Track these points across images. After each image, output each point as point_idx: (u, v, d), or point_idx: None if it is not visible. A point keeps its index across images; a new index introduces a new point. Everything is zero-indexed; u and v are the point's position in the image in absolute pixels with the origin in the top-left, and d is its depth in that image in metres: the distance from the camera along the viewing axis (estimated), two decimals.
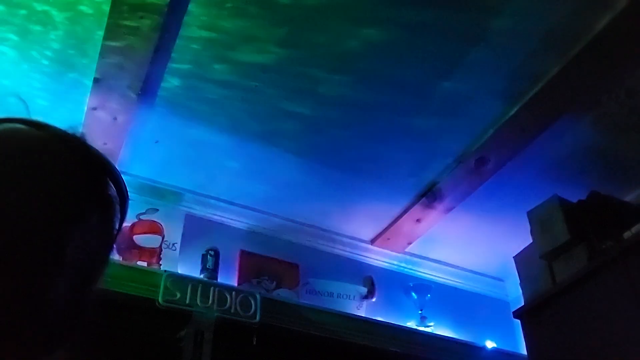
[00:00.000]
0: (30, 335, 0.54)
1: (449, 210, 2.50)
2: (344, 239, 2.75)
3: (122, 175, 0.65)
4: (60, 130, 0.63)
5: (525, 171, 2.32)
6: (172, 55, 1.93)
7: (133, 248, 2.18)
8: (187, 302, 1.89)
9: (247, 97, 2.08)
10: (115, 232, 0.64)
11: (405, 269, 2.83)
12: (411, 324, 2.52)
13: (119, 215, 0.64)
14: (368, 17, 1.83)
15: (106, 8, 1.75)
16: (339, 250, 2.73)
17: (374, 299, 2.59)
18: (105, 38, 1.83)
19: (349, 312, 2.31)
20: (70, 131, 0.63)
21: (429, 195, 2.46)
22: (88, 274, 0.60)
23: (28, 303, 0.53)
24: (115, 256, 2.15)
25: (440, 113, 2.14)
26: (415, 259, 2.85)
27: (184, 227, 2.35)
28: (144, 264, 2.15)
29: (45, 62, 1.96)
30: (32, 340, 0.55)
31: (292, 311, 2.08)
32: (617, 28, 1.79)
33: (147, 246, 2.21)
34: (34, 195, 0.55)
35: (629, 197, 2.37)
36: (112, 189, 0.63)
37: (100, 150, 0.64)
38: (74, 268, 0.57)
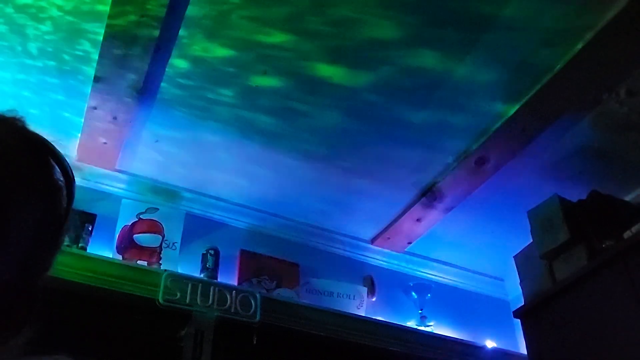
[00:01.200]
0: None
1: (449, 210, 2.50)
2: (344, 239, 2.75)
3: (65, 158, 0.63)
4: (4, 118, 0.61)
5: (525, 171, 2.32)
6: (172, 55, 1.93)
7: (133, 247, 2.19)
8: (187, 301, 1.89)
9: (247, 96, 2.08)
10: (62, 215, 0.62)
11: (405, 269, 2.83)
12: (411, 324, 2.52)
13: (66, 199, 0.62)
14: (368, 15, 1.83)
15: (106, 7, 1.75)
16: (339, 249, 2.73)
17: (374, 299, 2.59)
18: (106, 37, 1.83)
19: (349, 311, 2.31)
20: (8, 114, 0.61)
21: (429, 195, 2.46)
22: (35, 259, 0.58)
23: None
24: (116, 255, 2.16)
25: (440, 113, 2.14)
26: (415, 259, 2.85)
27: (184, 226, 2.35)
28: (144, 263, 2.15)
29: (45, 61, 1.96)
30: None
31: (292, 311, 2.08)
32: (617, 28, 1.79)
33: (147, 245, 2.21)
34: None
35: (629, 197, 2.37)
36: (57, 172, 0.62)
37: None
38: (20, 253, 0.55)
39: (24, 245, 0.56)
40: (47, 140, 0.63)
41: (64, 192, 0.62)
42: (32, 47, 1.92)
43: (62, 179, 0.62)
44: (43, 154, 0.62)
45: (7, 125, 0.60)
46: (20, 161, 0.58)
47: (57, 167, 0.62)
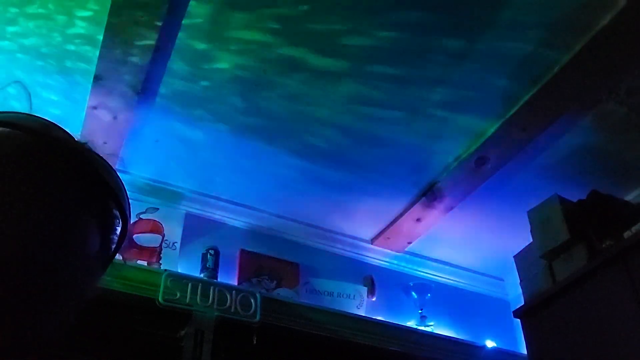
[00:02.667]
0: (21, 340, 0.53)
1: (449, 209, 2.50)
2: (344, 239, 2.75)
3: (126, 192, 0.62)
4: (65, 142, 0.59)
5: (525, 171, 2.32)
6: (172, 54, 1.93)
7: (133, 247, 2.18)
8: (187, 301, 1.89)
9: (247, 96, 2.08)
10: (112, 251, 0.61)
11: (406, 269, 2.83)
12: (411, 324, 2.52)
13: (117, 234, 0.61)
14: (369, 16, 1.83)
15: (106, 7, 1.75)
16: (339, 249, 2.73)
17: (374, 299, 2.59)
18: (106, 37, 1.83)
19: (349, 311, 2.31)
20: (81, 142, 0.61)
21: (429, 195, 2.46)
22: (81, 288, 0.58)
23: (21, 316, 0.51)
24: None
25: (440, 112, 2.14)
26: (416, 259, 2.85)
27: (184, 226, 2.35)
28: (144, 263, 2.15)
29: (45, 60, 1.96)
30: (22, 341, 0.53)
31: (292, 310, 2.08)
32: (617, 27, 1.79)
33: (147, 245, 2.21)
34: (34, 207, 0.53)
35: (629, 197, 2.37)
36: (114, 206, 0.60)
37: (106, 159, 0.62)
38: (68, 281, 0.55)
39: (71, 273, 0.55)
40: (112, 175, 0.62)
41: (119, 230, 0.61)
42: (32, 46, 1.92)
43: (118, 215, 0.61)
44: (103, 189, 0.60)
45: (78, 155, 0.59)
46: (76, 192, 0.57)
47: (116, 203, 0.61)
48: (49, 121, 0.62)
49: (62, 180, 0.56)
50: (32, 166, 0.55)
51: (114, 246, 0.62)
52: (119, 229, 0.61)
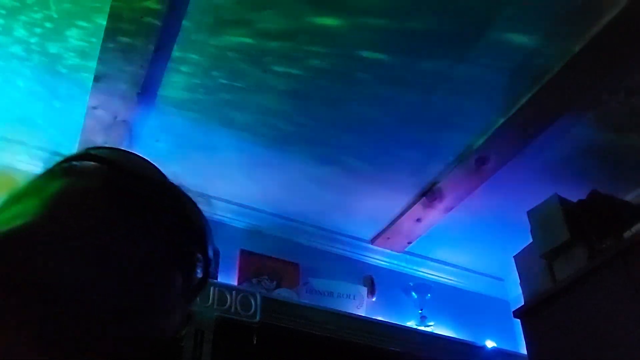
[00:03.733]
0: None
1: (449, 210, 2.50)
2: (344, 239, 2.75)
3: (211, 235, 0.61)
4: (157, 182, 0.59)
5: (525, 171, 2.32)
6: (172, 55, 1.93)
7: None
8: None
9: (248, 96, 2.08)
10: (194, 290, 0.61)
11: (405, 269, 2.83)
12: (411, 324, 2.52)
13: (198, 274, 0.61)
14: (369, 17, 1.83)
15: (106, 7, 1.75)
16: (339, 249, 2.73)
17: (374, 299, 2.59)
18: (106, 37, 1.83)
19: (349, 311, 2.31)
20: (171, 181, 0.60)
21: (429, 195, 2.46)
22: (162, 328, 0.56)
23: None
24: None
25: (440, 112, 2.14)
26: (416, 259, 2.85)
27: None
28: None
29: (45, 60, 1.96)
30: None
31: (292, 311, 2.08)
32: (617, 27, 1.79)
33: None
34: (122, 245, 0.51)
35: (629, 197, 2.36)
36: (198, 249, 0.59)
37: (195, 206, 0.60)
38: (152, 324, 0.54)
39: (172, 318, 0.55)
40: (202, 221, 0.61)
41: (200, 271, 0.60)
42: (32, 46, 1.92)
43: (201, 257, 0.60)
44: (194, 234, 0.59)
45: (170, 196, 0.58)
46: (168, 237, 0.55)
47: (199, 246, 0.60)
48: (145, 160, 0.61)
49: (150, 220, 0.55)
50: (124, 206, 0.54)
51: (196, 285, 0.61)
52: (200, 270, 0.60)
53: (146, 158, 0.61)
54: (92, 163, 0.57)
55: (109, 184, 0.55)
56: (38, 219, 0.50)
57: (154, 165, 0.61)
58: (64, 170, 0.57)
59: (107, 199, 0.54)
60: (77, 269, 0.48)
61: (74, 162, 0.58)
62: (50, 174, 0.58)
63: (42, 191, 0.54)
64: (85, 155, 0.59)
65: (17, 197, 0.55)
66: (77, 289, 0.48)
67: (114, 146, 0.61)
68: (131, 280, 0.51)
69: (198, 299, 2.01)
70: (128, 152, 0.61)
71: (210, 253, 0.61)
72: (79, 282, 0.48)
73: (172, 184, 0.61)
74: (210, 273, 0.62)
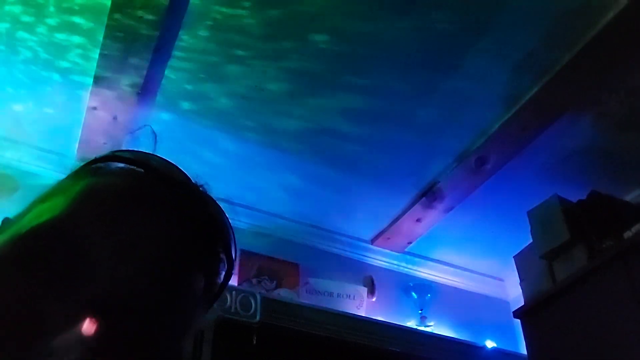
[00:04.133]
0: None
1: (449, 210, 2.50)
2: (344, 239, 2.74)
3: (234, 237, 0.61)
4: (181, 184, 0.59)
5: (525, 171, 2.32)
6: (172, 55, 1.93)
7: None
8: None
9: (248, 96, 2.08)
10: (216, 291, 0.61)
11: (406, 269, 2.83)
12: (411, 324, 2.52)
13: (222, 276, 0.61)
14: (369, 17, 1.83)
15: (106, 7, 1.75)
16: (339, 250, 2.73)
17: (374, 299, 2.59)
18: (106, 37, 1.83)
19: (349, 311, 2.31)
20: (197, 183, 0.60)
21: (429, 195, 2.46)
22: (185, 329, 0.58)
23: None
24: None
25: (440, 112, 2.14)
26: (416, 259, 2.85)
27: None
28: None
29: (45, 59, 1.96)
30: None
31: (292, 311, 2.08)
32: (617, 27, 1.79)
33: None
34: (149, 244, 0.51)
35: (629, 197, 2.36)
36: (222, 250, 0.60)
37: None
38: (174, 324, 0.55)
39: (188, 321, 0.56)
40: (223, 221, 0.61)
41: (223, 274, 0.61)
42: (32, 46, 1.92)
43: (225, 258, 0.60)
44: (213, 235, 0.59)
45: (193, 197, 0.58)
46: (193, 237, 0.56)
47: (224, 248, 0.60)
48: (169, 162, 0.61)
49: (174, 221, 0.55)
50: (149, 204, 0.54)
51: (218, 287, 0.61)
52: (223, 272, 0.61)
53: (170, 161, 0.61)
54: (118, 164, 0.58)
55: (134, 183, 0.56)
56: (64, 215, 0.51)
57: (178, 167, 0.61)
58: (90, 170, 0.58)
59: (132, 198, 0.54)
60: (98, 264, 0.49)
61: (100, 164, 0.58)
62: (76, 175, 0.58)
63: (68, 190, 0.54)
64: (111, 156, 0.59)
65: (44, 198, 0.55)
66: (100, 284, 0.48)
67: (136, 150, 0.62)
68: (151, 278, 0.51)
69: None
70: (152, 154, 0.62)
71: (234, 253, 0.61)
72: (100, 277, 0.48)
73: (195, 185, 0.61)
74: (231, 275, 0.62)
